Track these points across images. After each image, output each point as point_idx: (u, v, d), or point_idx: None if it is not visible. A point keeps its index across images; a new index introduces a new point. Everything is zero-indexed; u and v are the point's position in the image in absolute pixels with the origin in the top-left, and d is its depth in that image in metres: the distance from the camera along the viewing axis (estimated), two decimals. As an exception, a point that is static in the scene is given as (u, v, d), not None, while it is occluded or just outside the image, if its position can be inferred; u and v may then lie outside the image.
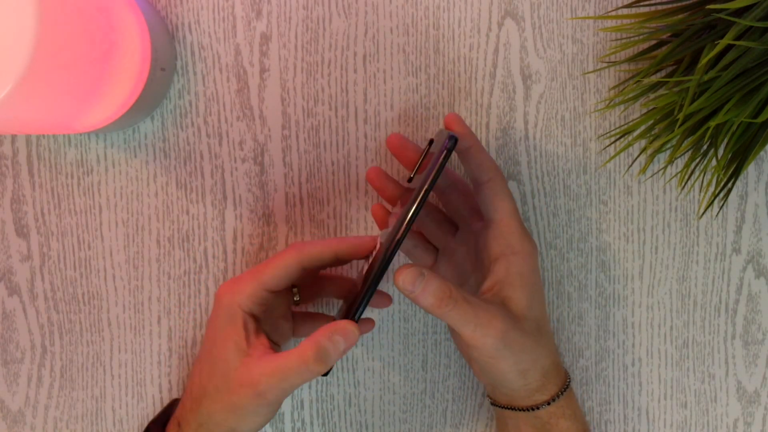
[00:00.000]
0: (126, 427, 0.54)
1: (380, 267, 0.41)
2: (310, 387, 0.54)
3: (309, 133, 0.52)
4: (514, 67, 0.51)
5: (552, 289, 0.54)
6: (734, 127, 0.43)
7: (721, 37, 0.42)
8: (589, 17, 0.46)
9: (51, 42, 0.36)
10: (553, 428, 0.47)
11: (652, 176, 0.53)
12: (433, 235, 0.51)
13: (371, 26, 0.51)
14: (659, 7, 0.46)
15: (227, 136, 0.51)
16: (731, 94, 0.43)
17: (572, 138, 0.52)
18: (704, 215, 0.53)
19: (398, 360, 0.54)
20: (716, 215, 0.53)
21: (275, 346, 0.48)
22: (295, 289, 0.48)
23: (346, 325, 0.41)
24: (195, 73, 0.51)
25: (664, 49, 0.45)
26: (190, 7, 0.50)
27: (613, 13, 0.51)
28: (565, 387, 0.47)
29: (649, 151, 0.50)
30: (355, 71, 0.51)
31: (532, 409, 0.46)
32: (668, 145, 0.48)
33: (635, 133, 0.51)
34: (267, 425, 0.54)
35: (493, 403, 0.49)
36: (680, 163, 0.52)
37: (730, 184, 0.46)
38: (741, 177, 0.52)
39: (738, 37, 0.41)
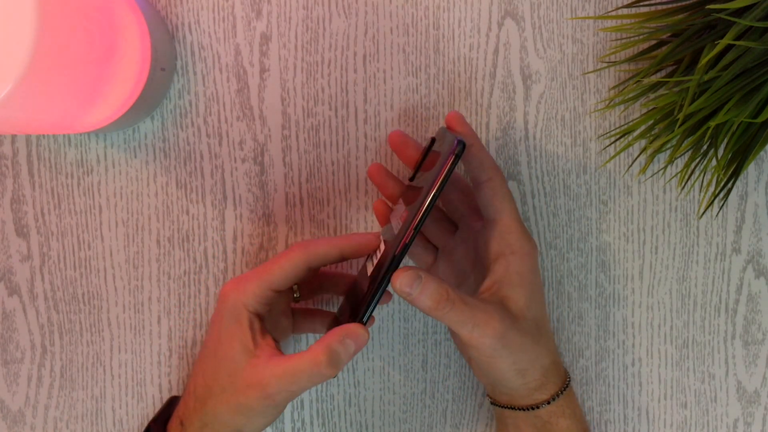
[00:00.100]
0: (126, 427, 0.54)
1: (387, 271, 0.41)
2: (310, 388, 0.54)
3: (309, 133, 0.52)
4: (514, 67, 0.51)
5: (552, 289, 0.54)
6: (734, 127, 0.43)
7: (721, 37, 0.42)
8: (589, 17, 0.46)
9: (51, 42, 0.36)
10: (553, 427, 0.47)
11: (652, 176, 0.53)
12: (432, 234, 0.51)
13: (371, 26, 0.51)
14: (659, 7, 0.46)
15: (227, 136, 0.51)
16: (731, 94, 0.43)
17: (572, 138, 0.52)
18: (704, 215, 0.53)
19: (398, 360, 0.54)
20: (716, 215, 0.53)
21: (277, 344, 0.48)
22: (295, 286, 0.48)
23: (356, 328, 0.41)
24: (195, 73, 0.51)
25: (664, 49, 0.45)
26: (190, 7, 0.50)
27: (613, 13, 0.51)
28: (565, 386, 0.47)
29: (649, 151, 0.50)
30: (355, 71, 0.51)
31: (532, 408, 0.46)
32: (668, 145, 0.48)
33: (635, 133, 0.51)
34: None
35: (493, 403, 0.49)
36: (680, 163, 0.52)
37: (730, 184, 0.46)
38: (741, 177, 0.52)
39: (738, 37, 0.41)
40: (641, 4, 0.46)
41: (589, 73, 0.51)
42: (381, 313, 0.54)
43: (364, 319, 0.42)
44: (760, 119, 0.41)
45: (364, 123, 0.52)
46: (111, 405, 0.54)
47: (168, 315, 0.53)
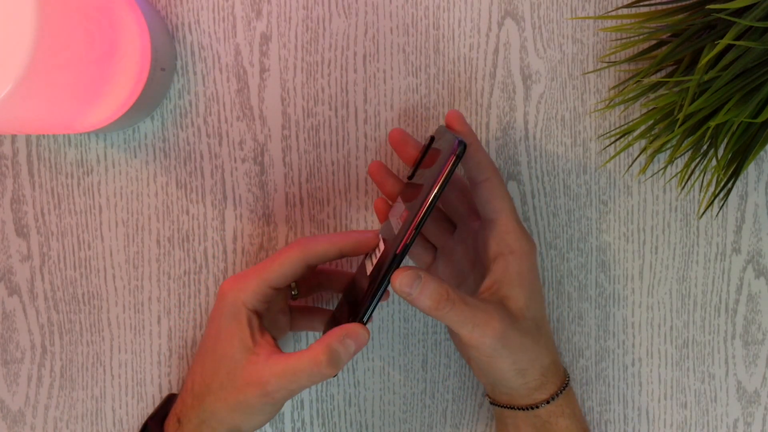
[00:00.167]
0: (126, 427, 0.54)
1: (387, 271, 0.41)
2: (310, 387, 0.54)
3: (309, 133, 0.52)
4: (514, 67, 0.51)
5: (552, 289, 0.54)
6: (734, 127, 0.43)
7: (721, 37, 0.42)
8: (589, 17, 0.46)
9: (51, 42, 0.36)
10: (552, 427, 0.47)
11: (652, 176, 0.53)
12: (431, 234, 0.51)
13: (371, 26, 0.51)
14: (659, 7, 0.46)
15: (227, 136, 0.51)
16: (731, 94, 0.43)
17: (572, 138, 0.52)
18: (704, 215, 0.53)
19: (398, 360, 0.54)
20: (716, 215, 0.53)
21: (275, 341, 0.48)
22: (293, 284, 0.48)
23: (357, 328, 0.41)
24: (195, 73, 0.51)
25: (664, 49, 0.45)
26: (190, 7, 0.50)
27: (613, 13, 0.51)
28: (565, 386, 0.47)
29: (649, 151, 0.50)
30: (355, 71, 0.51)
31: (532, 408, 0.46)
32: (668, 145, 0.48)
33: (635, 133, 0.51)
34: (267, 425, 0.54)
35: (493, 403, 0.49)
36: (680, 163, 0.52)
37: (730, 184, 0.46)
38: (741, 177, 0.52)
39: (738, 37, 0.41)
40: (641, 4, 0.46)
41: (589, 73, 0.51)
42: (381, 313, 0.54)
43: (365, 319, 0.42)
44: (760, 119, 0.41)
45: (364, 123, 0.52)
46: (111, 405, 0.54)
47: (168, 315, 0.53)
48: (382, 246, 0.43)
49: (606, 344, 0.54)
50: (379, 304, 0.53)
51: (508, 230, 0.45)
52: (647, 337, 0.54)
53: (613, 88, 0.51)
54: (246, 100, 0.51)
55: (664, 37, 0.46)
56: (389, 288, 0.52)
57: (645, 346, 0.54)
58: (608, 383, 0.54)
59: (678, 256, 0.53)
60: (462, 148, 0.40)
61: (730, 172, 0.46)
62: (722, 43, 0.40)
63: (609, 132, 0.52)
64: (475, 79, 0.51)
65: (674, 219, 0.53)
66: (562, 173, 0.52)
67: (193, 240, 0.52)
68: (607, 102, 0.52)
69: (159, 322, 0.53)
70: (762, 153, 0.52)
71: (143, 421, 0.53)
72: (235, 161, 0.52)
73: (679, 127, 0.44)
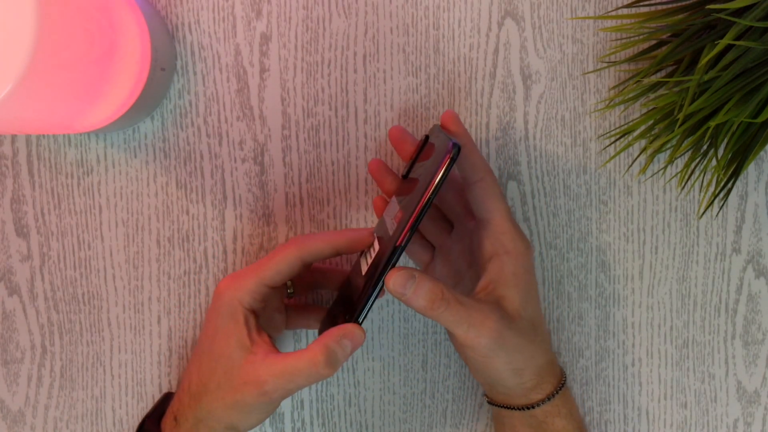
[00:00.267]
0: (126, 427, 0.54)
1: (382, 273, 0.41)
2: (310, 387, 0.54)
3: (309, 133, 0.52)
4: (514, 67, 0.51)
5: (552, 289, 0.54)
6: (734, 127, 0.43)
7: (721, 37, 0.42)
8: (589, 17, 0.46)
9: (51, 42, 0.36)
10: (548, 427, 0.47)
11: (652, 176, 0.53)
12: (429, 233, 0.51)
13: (371, 26, 0.51)
14: (659, 7, 0.46)
15: (227, 136, 0.51)
16: (731, 94, 0.43)
17: (572, 138, 0.52)
18: (704, 215, 0.53)
19: (398, 360, 0.54)
20: (716, 215, 0.53)
21: (272, 340, 0.49)
22: (289, 282, 0.49)
23: (353, 329, 0.42)
24: (195, 73, 0.51)
25: (664, 49, 0.45)
26: (190, 7, 0.50)
27: (613, 13, 0.51)
28: (561, 386, 0.47)
29: (649, 151, 0.50)
30: (355, 71, 0.51)
31: (528, 408, 0.46)
32: (668, 145, 0.48)
33: (635, 133, 0.51)
34: (267, 425, 0.54)
35: (490, 402, 0.49)
36: (680, 163, 0.52)
37: (730, 184, 0.46)
38: (741, 177, 0.52)
39: (738, 37, 0.41)
40: (641, 4, 0.46)
41: (589, 73, 0.51)
42: (381, 313, 0.54)
43: (360, 319, 0.42)
44: (760, 119, 0.41)
45: (364, 123, 0.52)
46: (111, 405, 0.54)
47: (168, 315, 0.53)
48: (377, 245, 0.44)
49: (606, 344, 0.54)
50: (377, 302, 0.53)
51: (503, 230, 0.45)
52: (647, 337, 0.54)
53: (613, 88, 0.51)
54: (246, 100, 0.51)
55: (664, 37, 0.46)
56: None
57: (645, 346, 0.54)
58: (608, 383, 0.54)
59: (678, 256, 0.53)
60: (456, 151, 0.40)
61: (730, 172, 0.46)
62: (722, 43, 0.40)
63: (609, 132, 0.52)
64: (475, 79, 0.51)
65: (674, 219, 0.53)
66: (562, 173, 0.52)
67: (193, 240, 0.52)
68: (607, 102, 0.52)
69: (159, 322, 0.53)
70: (762, 153, 0.52)
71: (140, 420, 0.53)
72: (235, 161, 0.52)
73: (679, 127, 0.44)
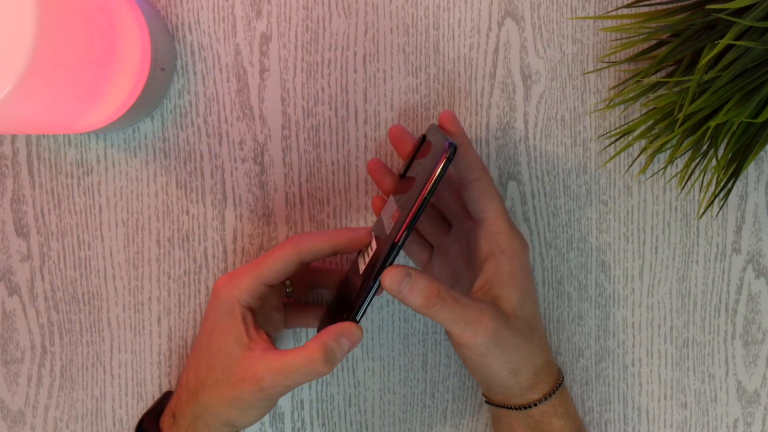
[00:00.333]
0: (126, 427, 0.54)
1: (379, 271, 0.41)
2: (310, 387, 0.54)
3: (309, 133, 0.52)
4: (514, 67, 0.51)
5: (552, 289, 0.54)
6: (734, 127, 0.43)
7: (721, 37, 0.42)
8: (589, 17, 0.46)
9: (51, 42, 0.36)
10: (545, 427, 0.47)
11: (652, 176, 0.53)
12: (427, 232, 0.51)
13: (371, 26, 0.51)
14: (659, 7, 0.46)
15: (227, 136, 0.51)
16: (731, 94, 0.43)
17: (572, 138, 0.52)
18: (704, 215, 0.53)
19: (398, 360, 0.54)
20: (716, 215, 0.53)
21: (270, 338, 0.49)
22: (287, 282, 0.49)
23: (351, 327, 0.42)
24: (195, 73, 0.51)
25: (664, 49, 0.45)
26: (190, 7, 0.50)
27: (613, 13, 0.51)
28: (558, 386, 0.47)
29: (649, 151, 0.50)
30: (355, 71, 0.51)
31: (525, 408, 0.46)
32: (668, 145, 0.48)
33: (635, 133, 0.51)
34: (267, 425, 0.54)
35: (488, 402, 0.49)
36: (680, 163, 0.52)
37: (730, 184, 0.46)
38: (741, 177, 0.52)
39: (738, 37, 0.41)
40: (641, 4, 0.46)
41: (589, 73, 0.51)
42: (381, 313, 0.54)
43: (358, 318, 0.42)
44: (760, 119, 0.41)
45: (364, 123, 0.52)
46: (111, 405, 0.54)
47: (168, 315, 0.53)
48: (374, 244, 0.44)
49: (606, 344, 0.54)
50: (377, 302, 0.53)
51: (499, 230, 0.45)
52: (647, 337, 0.54)
53: (613, 88, 0.51)
54: (246, 100, 0.51)
55: (664, 37, 0.46)
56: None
57: (645, 346, 0.54)
58: (608, 383, 0.54)
59: (678, 256, 0.53)
60: (452, 151, 0.40)
61: (730, 172, 0.46)
62: (722, 43, 0.40)
63: (609, 132, 0.52)
64: (475, 79, 0.51)
65: (674, 219, 0.53)
66: (562, 173, 0.52)
67: (193, 240, 0.52)
68: (607, 102, 0.52)
69: (159, 322, 0.53)
70: (762, 153, 0.52)
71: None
72: (235, 161, 0.52)
73: (679, 127, 0.44)
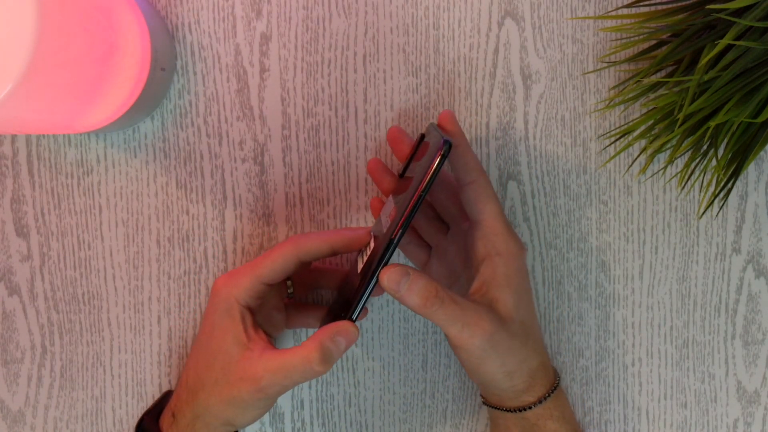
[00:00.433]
0: (126, 427, 0.54)
1: (376, 269, 0.41)
2: (310, 387, 0.54)
3: (309, 133, 0.52)
4: (514, 67, 0.51)
5: (552, 289, 0.54)
6: (734, 127, 0.43)
7: (721, 37, 0.42)
8: (589, 17, 0.46)
9: (51, 42, 0.36)
10: (540, 429, 0.47)
11: (652, 176, 0.53)
12: (426, 233, 0.51)
13: (371, 26, 0.51)
14: (659, 7, 0.46)
15: (227, 136, 0.51)
16: (731, 94, 0.43)
17: (572, 138, 0.52)
18: (704, 215, 0.53)
19: (398, 360, 0.54)
20: (716, 215, 0.53)
21: (269, 338, 0.49)
22: (289, 282, 0.49)
23: (347, 326, 0.42)
24: (195, 73, 0.51)
25: (664, 49, 0.45)
26: (190, 7, 0.50)
27: (613, 13, 0.51)
28: (553, 388, 0.47)
29: (649, 151, 0.50)
30: (355, 71, 0.51)
31: (520, 410, 0.46)
32: (668, 145, 0.48)
33: (635, 133, 0.51)
34: (267, 425, 0.54)
35: (485, 403, 0.49)
36: (680, 163, 0.52)
37: (730, 184, 0.46)
38: (741, 177, 0.52)
39: (738, 37, 0.41)
40: (641, 4, 0.46)
41: (589, 73, 0.51)
42: (381, 313, 0.54)
43: (354, 316, 0.42)
44: (760, 119, 0.41)
45: (364, 123, 0.52)
46: (111, 405, 0.54)
47: (168, 315, 0.53)
48: (372, 244, 0.44)
49: (606, 344, 0.54)
50: (377, 302, 0.53)
51: (495, 232, 0.45)
52: (647, 337, 0.54)
53: (613, 88, 0.51)
54: (246, 100, 0.51)
55: (664, 37, 0.46)
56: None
57: (645, 346, 0.54)
58: (608, 383, 0.54)
59: (678, 256, 0.53)
60: (447, 148, 0.40)
61: (730, 172, 0.46)
62: (722, 43, 0.40)
63: (609, 132, 0.52)
64: (475, 79, 0.51)
65: (674, 219, 0.53)
66: (562, 173, 0.52)
67: (193, 240, 0.52)
68: (607, 102, 0.52)
69: (159, 322, 0.53)
70: (762, 153, 0.52)
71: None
72: (235, 161, 0.52)
73: (679, 127, 0.44)
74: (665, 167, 0.48)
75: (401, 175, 0.47)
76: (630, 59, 0.48)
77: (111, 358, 0.53)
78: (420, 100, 0.51)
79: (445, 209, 0.50)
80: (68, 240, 0.52)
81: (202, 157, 0.52)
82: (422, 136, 0.46)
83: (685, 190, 0.53)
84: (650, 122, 0.48)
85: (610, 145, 0.52)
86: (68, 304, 0.53)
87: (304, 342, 0.42)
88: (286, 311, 0.50)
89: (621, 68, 0.51)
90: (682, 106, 0.44)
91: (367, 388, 0.54)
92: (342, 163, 0.52)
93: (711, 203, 0.47)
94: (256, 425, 0.54)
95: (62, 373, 0.53)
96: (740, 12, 0.42)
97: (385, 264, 0.41)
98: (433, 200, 0.51)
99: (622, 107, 0.52)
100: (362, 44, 0.51)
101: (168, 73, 0.50)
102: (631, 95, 0.48)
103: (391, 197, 0.46)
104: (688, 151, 0.47)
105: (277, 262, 0.44)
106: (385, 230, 0.43)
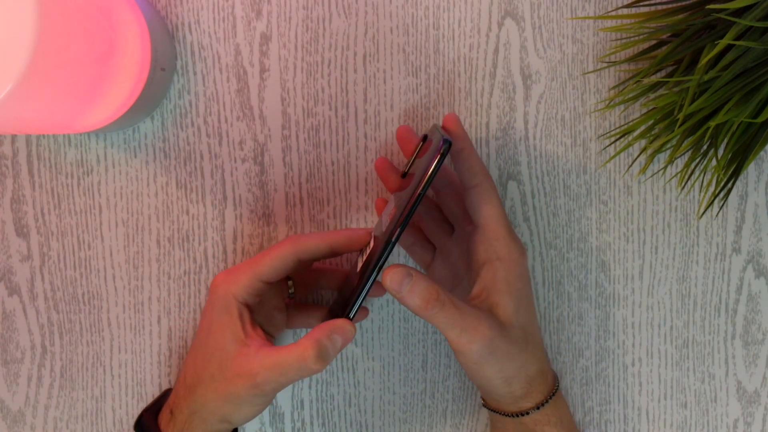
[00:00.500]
0: (126, 427, 0.54)
1: (373, 269, 0.41)
2: (310, 387, 0.54)
3: (309, 133, 0.52)
4: (514, 67, 0.51)
5: (552, 289, 0.54)
6: (734, 127, 0.43)
7: (721, 37, 0.42)
8: (589, 17, 0.46)
9: (51, 42, 0.36)
10: None
11: (652, 176, 0.53)
12: (431, 233, 0.51)
13: (371, 26, 0.51)
14: (659, 7, 0.46)
15: (227, 136, 0.51)
16: (731, 94, 0.43)
17: (572, 138, 0.52)
18: (704, 215, 0.53)
19: (398, 360, 0.54)
20: (716, 215, 0.53)
21: (270, 337, 0.49)
22: (290, 282, 0.49)
23: (344, 324, 0.42)
24: (195, 73, 0.51)
25: (664, 49, 0.45)
26: (190, 7, 0.50)
27: (613, 13, 0.51)
28: (552, 394, 0.47)
29: (649, 151, 0.50)
30: (355, 71, 0.51)
31: (518, 416, 0.46)
32: (668, 145, 0.48)
33: (635, 133, 0.51)
34: (267, 425, 0.54)
35: (485, 405, 0.49)
36: (680, 163, 0.52)
37: (730, 184, 0.46)
38: (741, 177, 0.52)
39: (738, 37, 0.41)
40: (641, 4, 0.46)
41: (589, 73, 0.51)
42: (381, 313, 0.54)
43: (351, 315, 0.42)
44: (760, 119, 0.41)
45: (364, 123, 0.52)
46: (111, 405, 0.54)
47: (168, 315, 0.53)
48: (372, 243, 0.44)
49: (606, 344, 0.54)
50: (377, 302, 0.53)
51: (497, 236, 0.45)
52: (647, 337, 0.54)
53: (613, 88, 0.51)
54: (246, 100, 0.51)
55: (664, 37, 0.46)
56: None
57: (645, 346, 0.54)
58: (608, 383, 0.54)
59: (678, 256, 0.53)
60: (447, 147, 0.40)
61: (730, 172, 0.46)
62: (722, 43, 0.40)
63: (609, 132, 0.52)
64: (475, 79, 0.51)
65: (674, 219, 0.53)
66: (562, 173, 0.52)
67: (193, 240, 0.52)
68: (607, 102, 0.52)
69: (159, 322, 0.53)
70: (762, 153, 0.52)
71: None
72: (235, 161, 0.52)
73: (679, 127, 0.44)
74: (665, 167, 0.48)
75: (404, 175, 0.47)
76: (630, 59, 0.48)
77: (111, 358, 0.53)
78: (420, 100, 0.51)
79: (450, 211, 0.50)
80: (68, 240, 0.52)
81: (202, 157, 0.52)
82: (425, 137, 0.46)
83: (685, 190, 0.53)
84: (650, 122, 0.48)
85: (610, 145, 0.52)
86: (68, 304, 0.53)
87: (300, 339, 0.42)
88: (287, 311, 0.50)
89: (621, 68, 0.51)
90: (682, 106, 0.44)
91: (367, 388, 0.54)
92: (342, 163, 0.52)
93: (711, 203, 0.47)
94: (257, 425, 0.54)
95: (62, 373, 0.53)
96: (740, 12, 0.42)
97: (384, 263, 0.41)
98: (440, 202, 0.51)
99: (622, 107, 0.52)
100: (362, 44, 0.51)
101: (168, 73, 0.50)
102: (631, 95, 0.48)
103: (392, 197, 0.46)
104: (688, 151, 0.47)
105: (275, 261, 0.45)
106: (384, 228, 0.43)
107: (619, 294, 0.54)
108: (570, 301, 0.54)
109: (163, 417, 0.47)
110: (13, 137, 0.51)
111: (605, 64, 0.51)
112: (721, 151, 0.50)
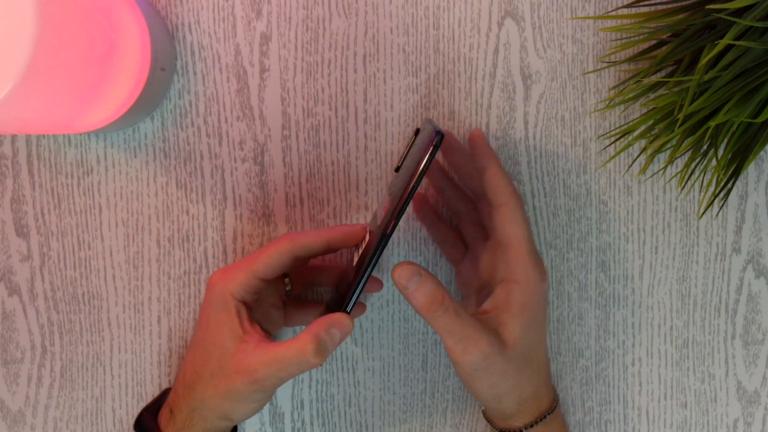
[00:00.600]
0: (126, 427, 0.54)
1: (369, 262, 0.42)
2: (310, 387, 0.54)
3: (309, 133, 0.52)
4: (514, 67, 0.51)
5: (552, 289, 0.54)
6: (734, 127, 0.43)
7: (721, 37, 0.42)
8: (589, 17, 0.46)
9: (51, 42, 0.36)
10: None
11: (652, 176, 0.53)
12: (467, 233, 0.51)
13: (371, 26, 0.51)
14: (659, 7, 0.46)
15: (227, 136, 0.51)
16: (731, 94, 0.43)
17: (572, 138, 0.52)
18: (704, 215, 0.53)
19: (398, 360, 0.54)
20: (716, 215, 0.53)
21: (268, 335, 0.49)
22: (286, 279, 0.49)
23: (341, 318, 0.42)
24: (195, 73, 0.51)
25: (664, 49, 0.45)
26: (190, 7, 0.50)
27: (613, 13, 0.51)
28: (543, 417, 0.47)
29: (649, 151, 0.50)
30: (355, 71, 0.51)
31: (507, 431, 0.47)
32: (668, 145, 0.48)
33: (635, 133, 0.51)
34: (267, 425, 0.54)
35: (483, 412, 0.50)
36: (680, 163, 0.52)
37: (730, 184, 0.46)
38: (741, 177, 0.52)
39: (738, 37, 0.41)
40: (641, 4, 0.46)
41: (589, 73, 0.51)
42: (381, 313, 0.54)
43: (348, 309, 0.42)
44: (760, 119, 0.41)
45: (364, 123, 0.52)
46: (111, 405, 0.54)
47: (168, 315, 0.53)
48: (368, 238, 0.44)
49: (606, 344, 0.54)
50: (377, 302, 0.53)
51: (517, 258, 0.45)
52: (647, 337, 0.54)
53: (613, 88, 0.51)
54: (246, 100, 0.51)
55: (664, 37, 0.46)
56: (382, 279, 0.53)
57: (645, 346, 0.54)
58: (608, 383, 0.54)
59: (678, 256, 0.53)
60: (439, 139, 0.40)
61: (730, 172, 0.46)
62: (722, 43, 0.40)
63: (609, 132, 0.52)
64: (475, 79, 0.51)
65: (674, 219, 0.53)
66: (562, 173, 0.52)
67: (193, 240, 0.52)
68: (607, 102, 0.52)
69: (159, 322, 0.53)
70: (762, 153, 0.52)
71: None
72: (235, 161, 0.52)
73: (679, 127, 0.44)
74: (665, 167, 0.48)
75: (397, 169, 0.47)
76: (630, 59, 0.48)
77: (111, 358, 0.53)
78: (420, 100, 0.51)
79: (485, 219, 0.50)
80: (68, 240, 0.52)
81: (202, 157, 0.52)
82: (417, 131, 0.46)
83: (685, 190, 0.53)
84: (650, 122, 0.48)
85: (610, 145, 0.52)
86: (68, 304, 0.53)
87: (299, 334, 0.42)
88: (284, 309, 0.50)
89: (621, 68, 0.51)
90: (682, 106, 0.44)
91: (367, 388, 0.54)
92: (342, 163, 0.52)
93: (711, 203, 0.47)
94: (257, 425, 0.54)
95: (62, 373, 0.53)
96: (740, 12, 0.42)
97: (379, 256, 0.42)
98: (479, 207, 0.50)
99: (622, 107, 0.52)
100: (362, 44, 0.51)
101: (168, 73, 0.50)
102: (631, 95, 0.48)
103: (386, 192, 0.46)
104: (688, 151, 0.47)
105: (272, 257, 0.45)
106: (379, 222, 0.43)
107: (619, 294, 0.54)
108: (570, 301, 0.54)
109: (163, 416, 0.47)
110: (13, 137, 0.51)
111: (605, 64, 0.51)
112: (721, 151, 0.50)
